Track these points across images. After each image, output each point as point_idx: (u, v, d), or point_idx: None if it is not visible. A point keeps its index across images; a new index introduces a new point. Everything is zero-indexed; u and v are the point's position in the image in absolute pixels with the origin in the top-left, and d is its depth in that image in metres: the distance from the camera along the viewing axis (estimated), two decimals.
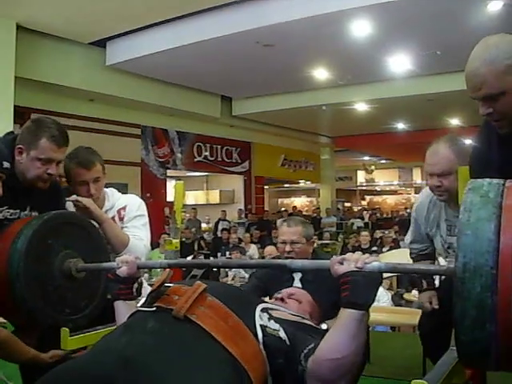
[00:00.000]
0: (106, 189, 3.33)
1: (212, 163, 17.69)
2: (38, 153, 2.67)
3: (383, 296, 7.36)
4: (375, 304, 6.01)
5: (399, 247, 11.42)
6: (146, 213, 3.41)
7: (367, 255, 1.89)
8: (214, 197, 19.95)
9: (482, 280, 1.47)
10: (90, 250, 2.80)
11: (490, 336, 1.48)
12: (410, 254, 3.58)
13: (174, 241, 3.09)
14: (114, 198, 3.37)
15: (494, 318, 1.47)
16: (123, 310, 2.20)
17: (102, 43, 11.76)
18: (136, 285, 2.37)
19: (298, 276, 3.46)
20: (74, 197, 3.05)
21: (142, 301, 1.99)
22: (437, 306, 3.19)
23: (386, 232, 14.52)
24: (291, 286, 3.40)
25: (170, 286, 1.98)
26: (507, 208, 1.55)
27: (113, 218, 3.27)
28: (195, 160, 17.06)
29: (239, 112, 16.57)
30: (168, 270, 2.05)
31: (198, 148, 17.07)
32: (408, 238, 3.59)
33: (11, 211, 2.72)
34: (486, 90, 2.05)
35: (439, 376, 1.88)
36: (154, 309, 1.90)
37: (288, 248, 3.49)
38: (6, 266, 2.45)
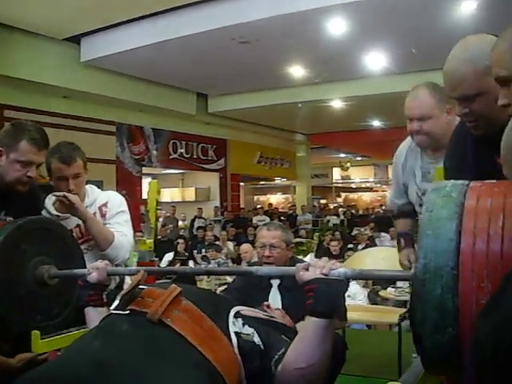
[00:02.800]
0: (85, 185, 3.32)
1: (187, 160, 17.62)
2: (17, 155, 2.67)
3: (359, 294, 7.39)
4: (351, 302, 6.05)
5: (375, 245, 11.47)
6: (127, 209, 3.42)
7: (333, 261, 1.89)
8: (190, 194, 19.85)
9: (442, 281, 1.43)
10: (64, 256, 2.77)
11: (452, 340, 1.45)
12: (391, 212, 3.58)
13: (147, 241, 3.04)
14: (94, 195, 3.36)
15: (455, 320, 1.43)
16: (94, 317, 2.20)
17: (76, 39, 11.64)
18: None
19: (276, 283, 3.44)
20: (61, 193, 3.05)
21: (116, 303, 1.95)
22: (415, 263, 3.16)
23: (362, 229, 14.57)
24: (269, 293, 3.39)
25: (143, 289, 1.96)
26: (469, 208, 1.51)
27: (94, 214, 3.26)
28: (171, 157, 16.99)
29: (215, 109, 16.51)
30: (142, 271, 2.02)
31: (173, 145, 17.00)
32: (390, 194, 3.58)
33: None
34: (464, 90, 2.03)
35: (414, 377, 1.87)
36: (128, 312, 1.88)
37: (267, 253, 3.46)
38: None
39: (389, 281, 7.99)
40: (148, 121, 15.73)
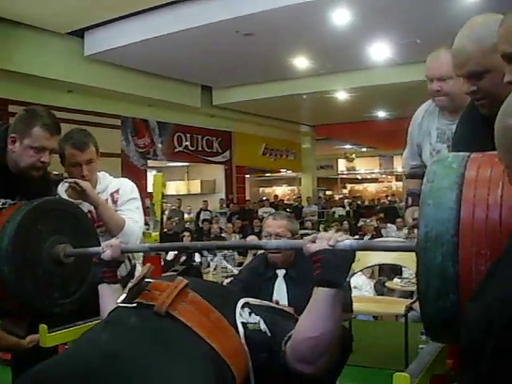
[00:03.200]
0: (97, 172, 3.39)
1: (193, 153, 17.63)
2: (31, 141, 2.71)
3: (366, 285, 7.39)
4: (358, 293, 6.03)
5: (381, 236, 11.46)
6: (138, 196, 3.48)
7: (340, 233, 1.93)
8: (195, 187, 19.85)
9: (443, 249, 1.48)
10: (79, 235, 2.84)
11: (453, 306, 1.48)
12: (404, 171, 3.63)
13: (153, 234, 3.07)
14: (106, 181, 3.43)
15: (456, 286, 1.47)
16: (107, 293, 2.28)
17: (80, 33, 11.65)
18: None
19: (281, 273, 3.44)
20: (72, 179, 3.13)
21: (123, 296, 1.96)
22: (417, 215, 3.18)
23: (368, 220, 14.54)
24: (274, 283, 3.40)
25: (150, 282, 1.97)
26: (469, 178, 1.56)
27: (105, 200, 3.31)
28: (176, 150, 17.00)
29: (219, 101, 16.50)
30: (148, 264, 2.05)
31: (178, 138, 17.01)
32: (404, 154, 3.59)
33: (2, 201, 2.77)
34: (471, 67, 2.08)
35: (421, 367, 1.87)
36: (135, 305, 1.88)
37: None
38: None
39: (395, 271, 8.01)
40: (153, 114, 15.74)
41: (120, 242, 2.42)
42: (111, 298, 2.21)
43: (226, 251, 9.81)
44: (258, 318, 1.94)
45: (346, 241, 1.86)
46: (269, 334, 1.90)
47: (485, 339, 1.13)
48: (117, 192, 3.38)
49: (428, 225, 1.51)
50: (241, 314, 1.92)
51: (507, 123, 1.26)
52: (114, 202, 3.35)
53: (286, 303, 3.22)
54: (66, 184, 3.20)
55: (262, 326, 1.91)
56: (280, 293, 3.33)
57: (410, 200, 3.31)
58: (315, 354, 1.81)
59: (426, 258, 1.50)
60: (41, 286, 2.61)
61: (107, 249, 2.36)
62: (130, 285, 2.01)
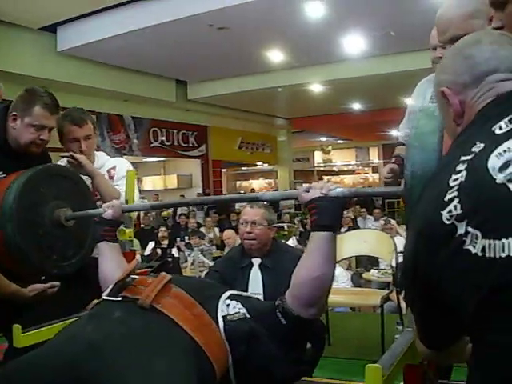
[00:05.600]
0: (95, 151, 3.55)
1: (168, 148, 17.58)
2: (31, 120, 2.86)
3: (342, 276, 7.42)
4: (335, 285, 6.03)
5: (358, 227, 11.51)
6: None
7: (330, 183, 2.07)
8: (172, 182, 19.87)
9: None
10: (78, 200, 2.98)
11: None
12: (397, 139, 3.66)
13: (127, 231, 3.11)
14: (104, 160, 3.58)
15: None
16: (106, 250, 2.44)
17: (52, 28, 11.52)
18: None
19: (257, 262, 3.46)
20: (68, 153, 3.25)
21: (108, 290, 1.99)
22: (394, 165, 3.22)
23: (345, 212, 14.60)
24: (250, 272, 3.43)
25: (136, 278, 2.01)
26: None
27: None
28: (151, 145, 16.93)
29: (194, 96, 16.45)
30: (135, 260, 2.08)
31: (154, 133, 16.94)
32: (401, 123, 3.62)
33: (5, 175, 2.87)
34: (453, 32, 2.15)
35: (393, 358, 1.90)
36: (120, 299, 1.92)
37: (248, 229, 3.47)
38: None
39: (372, 263, 8.05)
40: (128, 109, 15.65)
41: (120, 202, 2.56)
42: (110, 255, 2.41)
43: (203, 246, 9.82)
44: (236, 303, 2.00)
45: (338, 189, 2.01)
46: (248, 315, 1.97)
47: (409, 273, 1.27)
48: (113, 168, 3.52)
49: (414, 165, 1.66)
50: (222, 310, 1.96)
51: (438, 78, 1.44)
52: (111, 177, 3.49)
53: (261, 291, 3.28)
54: (65, 160, 3.30)
55: (242, 311, 1.97)
56: (255, 281, 3.37)
57: (393, 159, 3.37)
58: (316, 295, 1.94)
59: (413, 196, 1.62)
60: (41, 246, 2.75)
61: (108, 209, 2.49)
62: (116, 280, 2.04)
